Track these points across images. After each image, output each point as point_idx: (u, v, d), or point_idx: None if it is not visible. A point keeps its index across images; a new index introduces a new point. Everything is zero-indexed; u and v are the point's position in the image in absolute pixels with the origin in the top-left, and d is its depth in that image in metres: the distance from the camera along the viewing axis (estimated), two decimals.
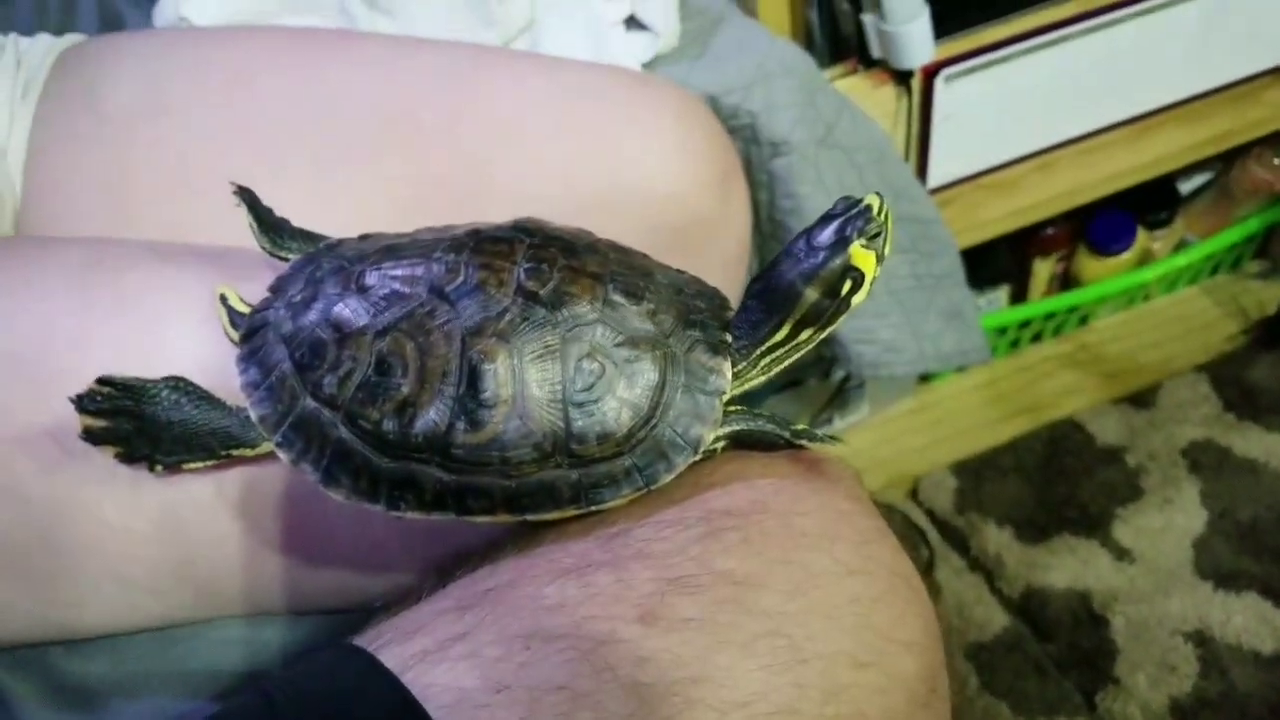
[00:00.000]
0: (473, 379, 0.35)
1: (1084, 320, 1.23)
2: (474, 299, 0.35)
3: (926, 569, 1.05)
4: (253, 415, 0.36)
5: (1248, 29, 0.98)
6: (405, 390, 0.35)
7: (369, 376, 0.35)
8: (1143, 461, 1.12)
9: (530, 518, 0.35)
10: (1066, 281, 1.21)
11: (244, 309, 0.40)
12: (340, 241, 0.41)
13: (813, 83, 0.80)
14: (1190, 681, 0.97)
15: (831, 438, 0.40)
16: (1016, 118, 0.96)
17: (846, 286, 0.36)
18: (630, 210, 0.59)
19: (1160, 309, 1.25)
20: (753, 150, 0.80)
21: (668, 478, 0.35)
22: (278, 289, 0.39)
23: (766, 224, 0.82)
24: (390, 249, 0.38)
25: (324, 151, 0.56)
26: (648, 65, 0.77)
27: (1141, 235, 1.18)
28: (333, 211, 0.56)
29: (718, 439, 0.37)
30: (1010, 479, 1.11)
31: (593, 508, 0.35)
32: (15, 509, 0.39)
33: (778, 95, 0.78)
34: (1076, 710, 0.96)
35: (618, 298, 0.36)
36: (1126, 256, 1.17)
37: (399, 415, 0.35)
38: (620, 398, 0.35)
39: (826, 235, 0.36)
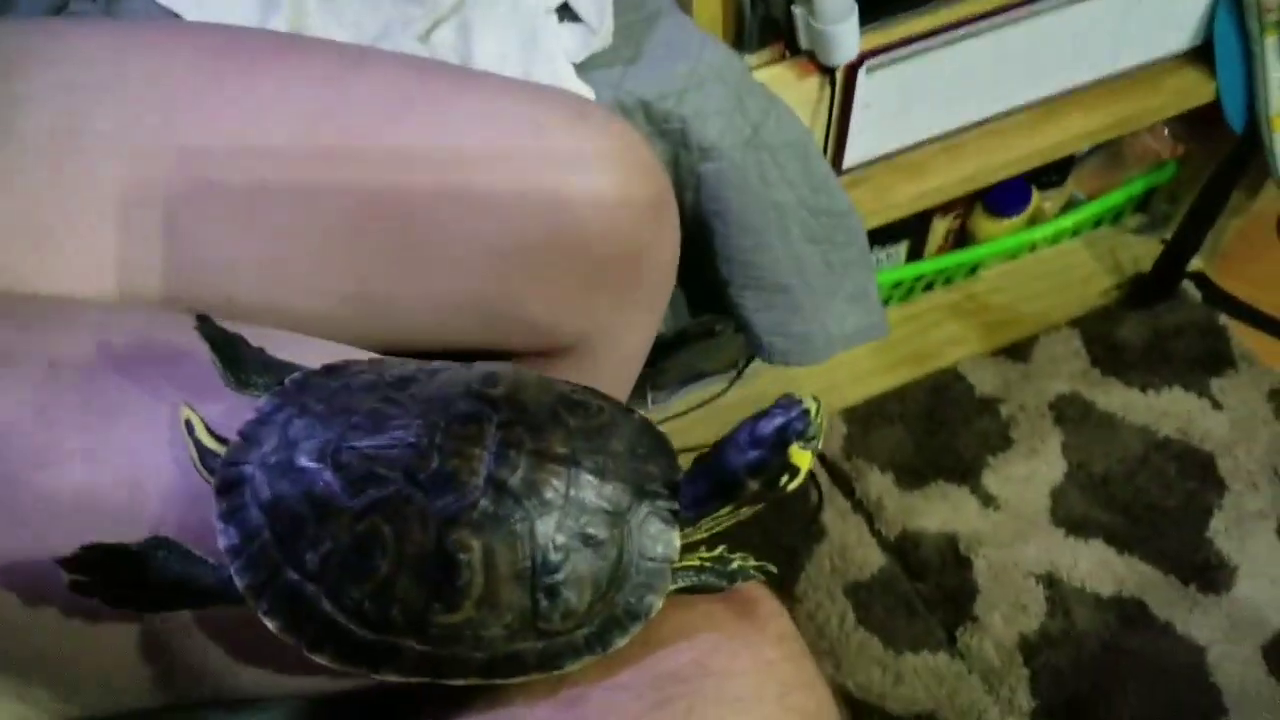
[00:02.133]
0: (447, 567, 0.37)
1: (973, 270, 1.28)
2: (447, 488, 0.37)
3: (815, 512, 1.11)
4: (238, 583, 0.38)
5: (1151, 18, 1.00)
6: (384, 572, 0.37)
7: (349, 557, 0.37)
8: (1014, 413, 1.19)
9: (499, 682, 0.38)
10: (961, 236, 1.25)
11: (212, 444, 0.41)
12: (306, 380, 0.42)
13: (742, 86, 0.80)
14: (1038, 620, 1.07)
15: (760, 568, 0.43)
16: (929, 103, 0.98)
17: (784, 479, 0.39)
18: (567, 249, 0.60)
19: (1044, 260, 1.31)
20: (681, 153, 0.80)
21: (623, 643, 0.39)
22: (249, 438, 0.40)
23: (691, 225, 0.83)
24: (367, 413, 0.39)
25: (255, 180, 0.55)
26: (581, 66, 0.76)
27: (1034, 194, 1.22)
28: (263, 245, 0.55)
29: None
30: (895, 427, 1.18)
31: (555, 672, 0.38)
32: None
33: (709, 102, 0.78)
34: (939, 645, 1.05)
35: (582, 477, 0.38)
36: (1019, 218, 1.21)
37: (378, 596, 0.37)
38: (582, 578, 0.38)
39: (768, 435, 0.39)
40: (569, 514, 0.38)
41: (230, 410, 0.44)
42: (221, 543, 0.38)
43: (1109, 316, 1.27)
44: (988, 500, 1.14)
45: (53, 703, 0.44)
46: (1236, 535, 1.12)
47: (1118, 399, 1.20)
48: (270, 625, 0.38)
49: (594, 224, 0.60)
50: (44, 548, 0.40)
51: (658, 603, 0.39)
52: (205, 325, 0.42)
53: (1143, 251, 1.32)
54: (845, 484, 1.14)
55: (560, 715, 0.38)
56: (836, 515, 1.12)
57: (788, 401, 0.39)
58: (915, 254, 1.23)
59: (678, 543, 0.40)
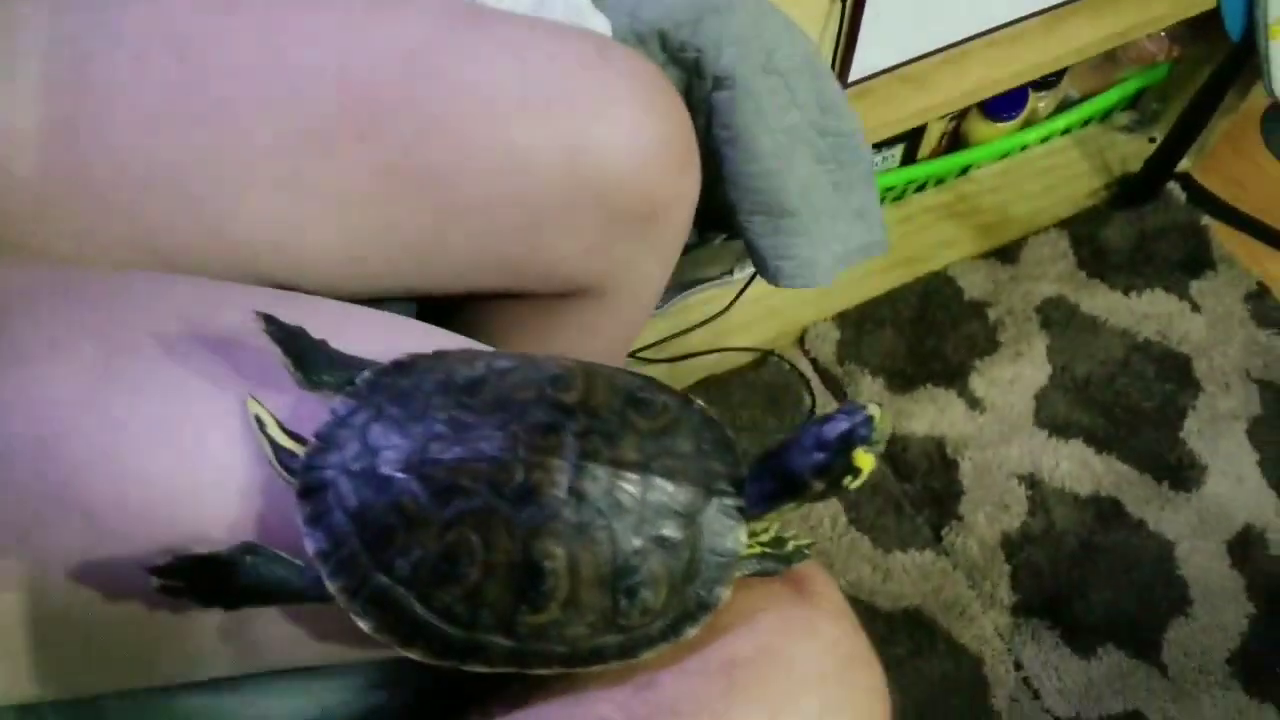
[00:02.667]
0: (533, 573, 0.39)
1: (964, 170, 1.28)
2: (531, 499, 0.39)
3: (808, 416, 1.14)
4: (330, 586, 0.40)
5: None
6: (473, 578, 0.39)
7: (439, 564, 0.39)
8: (1002, 316, 1.22)
9: (580, 671, 0.41)
10: (955, 138, 1.25)
11: (286, 442, 0.42)
12: (377, 379, 0.42)
13: (759, 10, 0.79)
14: (1020, 519, 1.12)
15: (808, 547, 0.45)
16: (937, 13, 0.96)
17: (847, 480, 0.41)
18: (592, 198, 0.60)
19: (1034, 159, 1.32)
20: (694, 81, 0.79)
21: (695, 632, 0.41)
22: (327, 440, 0.41)
23: (701, 150, 0.83)
24: (446, 421, 0.40)
25: (279, 138, 0.54)
26: None
27: (1030, 98, 1.22)
28: (303, 204, 0.55)
29: None
30: (886, 330, 1.20)
31: (631, 660, 0.41)
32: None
33: (726, 30, 0.77)
34: (926, 544, 1.10)
35: (655, 481, 0.40)
36: (1014, 122, 1.22)
37: (467, 600, 0.39)
38: (658, 577, 0.40)
39: (833, 439, 0.40)
40: (645, 518, 0.40)
41: (296, 401, 0.44)
42: (310, 546, 0.40)
43: (1096, 217, 1.29)
44: (974, 403, 1.17)
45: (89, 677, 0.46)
46: (1208, 436, 1.17)
47: (1101, 301, 1.23)
48: (363, 625, 0.40)
49: (619, 172, 0.59)
50: (119, 546, 0.41)
51: (726, 593, 0.42)
52: (271, 326, 0.43)
53: (1130, 151, 1.33)
54: (838, 389, 1.17)
55: (635, 699, 0.41)
56: None
57: (852, 408, 0.41)
58: (910, 157, 1.23)
59: (744, 538, 0.42)
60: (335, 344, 0.45)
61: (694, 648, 0.42)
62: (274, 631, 0.47)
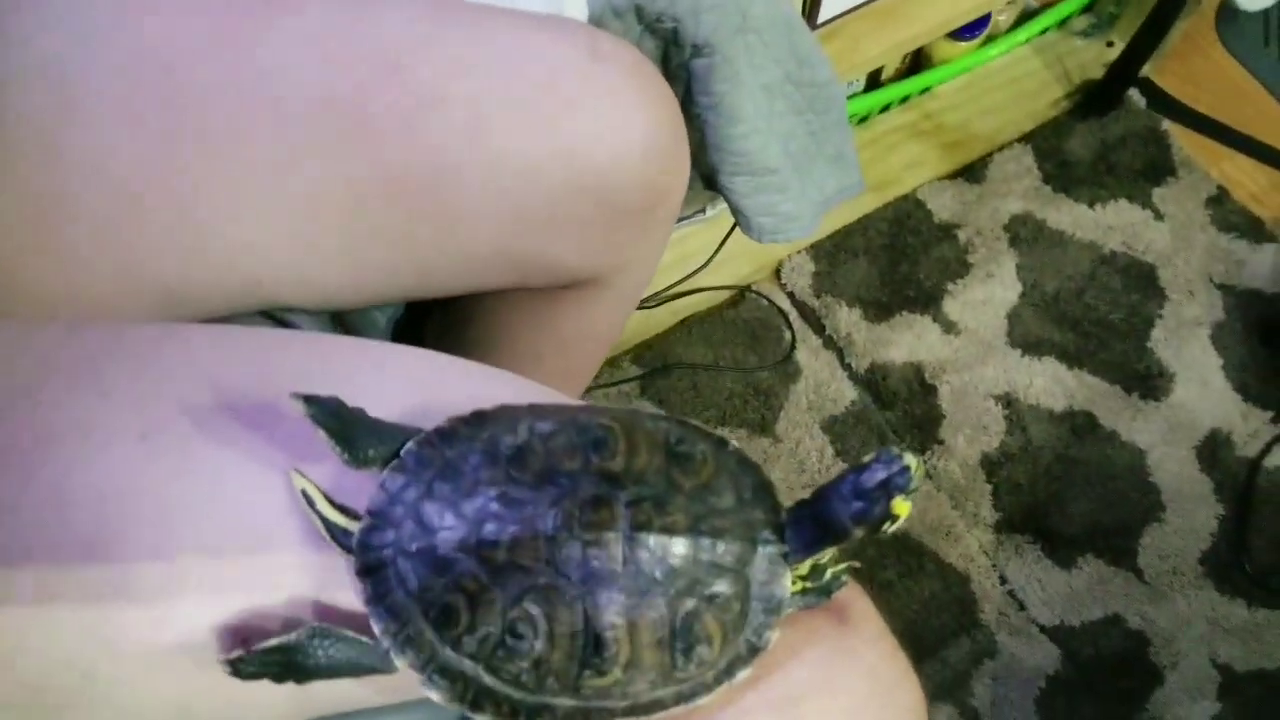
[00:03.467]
0: (596, 642, 0.40)
1: (927, 88, 1.28)
2: (589, 573, 0.40)
3: (789, 352, 1.16)
4: (399, 662, 0.41)
5: None
6: (537, 650, 0.40)
7: (504, 639, 0.40)
8: (971, 237, 1.23)
9: (642, 719, 0.43)
10: (917, 58, 1.24)
11: (336, 517, 0.43)
12: (422, 453, 0.43)
13: None
14: (998, 439, 1.16)
15: (847, 571, 0.48)
16: None
17: (887, 525, 0.43)
18: (589, 195, 0.60)
19: (995, 71, 1.32)
20: (671, 50, 0.78)
21: (747, 674, 0.43)
22: (380, 516, 0.42)
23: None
24: (497, 498, 0.41)
25: (268, 151, 0.54)
26: None
27: (991, 17, 1.21)
28: (300, 222, 0.55)
29: None
30: (860, 260, 1.21)
31: (688, 706, 0.43)
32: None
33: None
34: None
35: (703, 543, 0.42)
36: (977, 40, 1.21)
37: (534, 670, 0.41)
38: (712, 632, 0.42)
39: (872, 486, 0.42)
40: (697, 579, 0.42)
41: (339, 470, 0.45)
42: (376, 627, 0.41)
43: (1059, 129, 1.30)
44: (949, 327, 1.20)
45: None
46: (1174, 343, 1.20)
47: (1067, 215, 1.25)
48: (433, 696, 0.41)
49: (618, 172, 0.59)
50: (182, 631, 0.42)
51: (775, 635, 0.44)
52: (312, 408, 0.43)
53: (1090, 58, 1.33)
54: (815, 322, 1.19)
55: None
56: (809, 353, 1.18)
57: (889, 457, 0.42)
58: (874, 80, 1.23)
59: (789, 582, 0.44)
60: (370, 394, 0.46)
61: (747, 687, 0.44)
62: (336, 684, 0.48)
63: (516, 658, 0.41)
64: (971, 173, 1.26)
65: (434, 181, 0.56)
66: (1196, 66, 1.34)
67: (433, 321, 0.80)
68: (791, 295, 1.19)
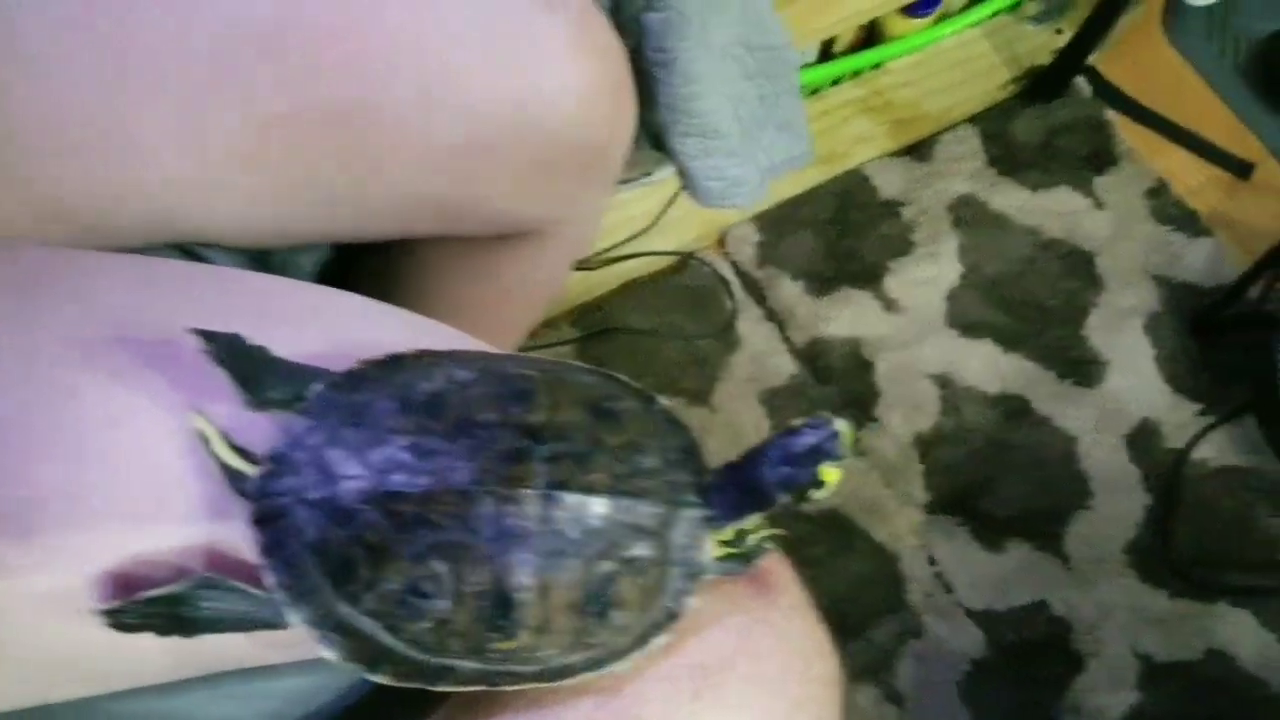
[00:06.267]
0: (504, 603, 0.38)
1: (879, 64, 1.26)
2: (501, 528, 0.37)
3: (730, 322, 1.14)
4: (292, 619, 0.38)
5: None
6: (442, 610, 0.38)
7: (406, 597, 0.38)
8: (916, 216, 1.22)
9: (550, 686, 0.40)
10: (870, 31, 1.22)
11: (235, 461, 0.40)
12: (329, 396, 0.40)
13: None
14: (933, 418, 1.15)
15: (771, 539, 0.46)
16: None
17: (812, 492, 0.41)
18: (531, 145, 0.58)
19: (947, 51, 1.30)
20: (624, 1, 0.76)
21: (662, 642, 0.41)
22: (281, 462, 0.39)
23: (632, 70, 0.80)
24: (408, 447, 0.38)
25: (183, 84, 0.51)
26: None
27: None
28: (220, 157, 0.51)
29: None
30: (805, 232, 1.19)
31: (600, 673, 0.41)
32: None
33: None
34: None
35: (625, 504, 0.39)
36: (930, 18, 1.20)
37: (437, 630, 0.38)
38: (628, 596, 0.39)
39: (801, 452, 0.40)
40: (615, 541, 0.39)
41: (244, 412, 0.42)
42: (268, 579, 0.38)
43: (1006, 113, 1.28)
44: (889, 304, 1.18)
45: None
46: (1109, 332, 1.20)
47: (1010, 199, 1.24)
48: (328, 654, 0.38)
49: (562, 121, 0.57)
50: (67, 569, 0.39)
51: (694, 602, 0.41)
52: (211, 344, 0.40)
53: (1039, 43, 1.32)
54: (758, 292, 1.17)
55: (600, 710, 0.41)
56: (750, 324, 1.15)
57: (819, 422, 0.40)
58: (826, 52, 1.21)
59: (710, 548, 0.42)
60: (284, 334, 0.43)
61: (662, 655, 0.42)
62: (227, 638, 0.45)
63: (419, 617, 0.38)
64: (919, 151, 1.25)
65: (363, 119, 0.53)
66: (1143, 59, 1.33)
67: (364, 269, 0.76)
68: (735, 264, 1.17)
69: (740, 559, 0.44)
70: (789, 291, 1.16)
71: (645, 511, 0.39)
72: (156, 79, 0.49)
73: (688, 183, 0.88)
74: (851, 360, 1.14)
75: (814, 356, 1.14)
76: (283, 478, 0.38)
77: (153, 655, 0.44)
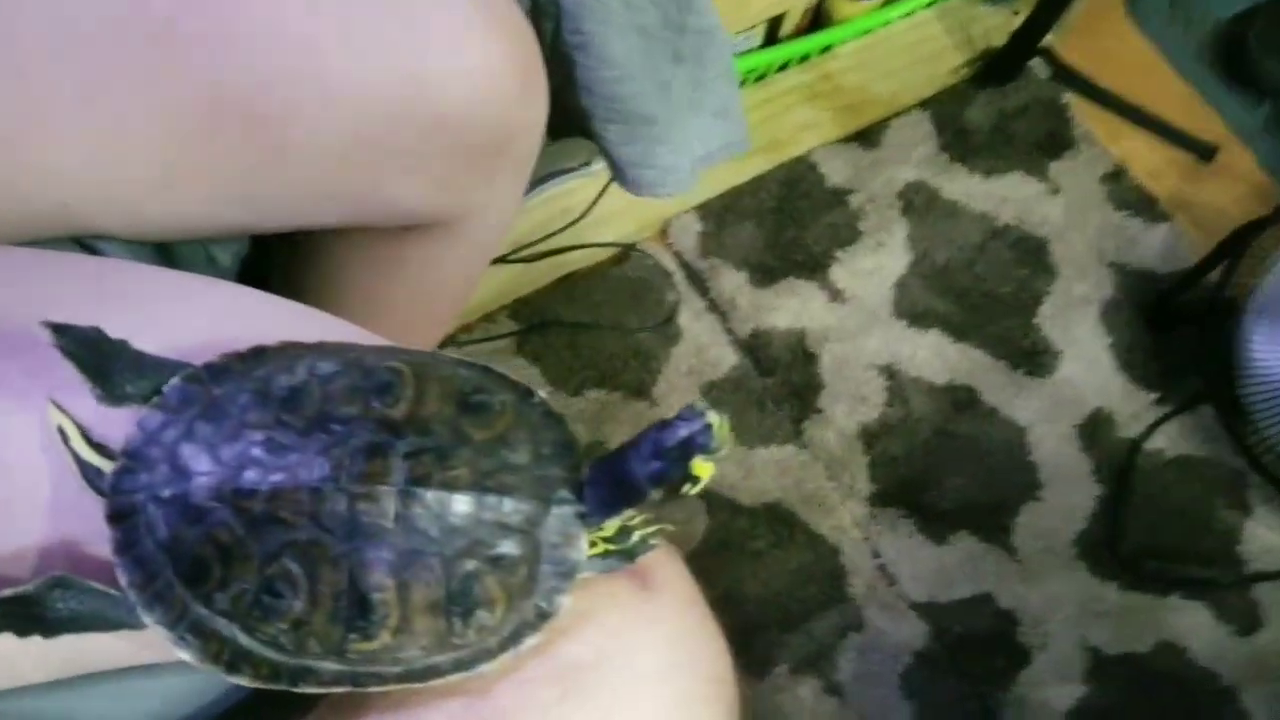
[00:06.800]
0: (361, 603, 0.38)
1: (827, 48, 1.26)
2: (356, 529, 0.38)
3: (671, 314, 1.15)
4: (146, 619, 0.38)
5: None
6: (298, 610, 0.38)
7: (260, 597, 0.38)
8: (863, 204, 1.23)
9: (415, 687, 0.41)
10: (817, 15, 1.23)
11: (92, 457, 0.40)
12: (186, 389, 0.40)
13: None
14: (878, 410, 1.15)
15: (658, 531, 0.46)
16: None
17: (687, 487, 0.41)
18: (434, 133, 0.58)
19: (897, 34, 1.30)
20: None
21: (534, 641, 0.41)
22: (135, 458, 0.39)
23: (550, 55, 0.79)
24: (262, 443, 0.38)
25: (71, 72, 0.50)
26: None
27: None
28: (112, 150, 0.52)
29: None
30: (748, 222, 1.20)
31: (469, 674, 0.41)
32: None
33: None
34: (787, 438, 1.13)
35: (490, 500, 0.39)
36: (880, 0, 1.20)
37: (294, 630, 0.38)
38: (494, 598, 0.40)
39: (671, 447, 0.40)
40: (479, 539, 0.39)
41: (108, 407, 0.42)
42: (122, 578, 0.38)
43: (958, 97, 1.29)
44: (835, 294, 1.19)
45: None
46: (1062, 320, 1.21)
47: (961, 186, 1.25)
48: (185, 656, 0.38)
49: (463, 105, 0.57)
50: None
51: (568, 600, 0.42)
52: (61, 336, 0.40)
53: (994, 25, 1.33)
54: (700, 284, 1.17)
55: (467, 711, 0.41)
56: (692, 315, 1.16)
57: (690, 414, 0.40)
58: (771, 36, 1.21)
59: (585, 545, 0.42)
60: (162, 326, 0.43)
61: (534, 655, 0.42)
62: (99, 637, 0.45)
63: (274, 618, 0.38)
64: (867, 137, 1.25)
65: (256, 107, 0.53)
66: (1103, 40, 1.34)
67: (277, 261, 0.76)
68: (678, 255, 1.18)
69: (621, 555, 0.44)
70: (732, 282, 1.16)
71: (511, 508, 0.40)
72: (45, 70, 0.49)
73: (617, 172, 0.88)
74: (795, 351, 1.15)
75: (756, 348, 1.14)
76: (137, 474, 0.39)
77: (20, 656, 0.44)
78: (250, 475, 0.38)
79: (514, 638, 0.41)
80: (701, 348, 1.14)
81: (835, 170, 1.23)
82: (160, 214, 0.56)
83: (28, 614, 0.39)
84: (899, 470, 1.13)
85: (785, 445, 1.12)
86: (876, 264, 1.20)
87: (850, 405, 1.14)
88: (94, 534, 0.40)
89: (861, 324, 1.17)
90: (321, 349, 0.43)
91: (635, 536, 0.45)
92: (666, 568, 0.47)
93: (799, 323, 1.17)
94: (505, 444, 0.41)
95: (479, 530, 0.39)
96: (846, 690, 1.04)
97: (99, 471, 0.40)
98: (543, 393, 0.44)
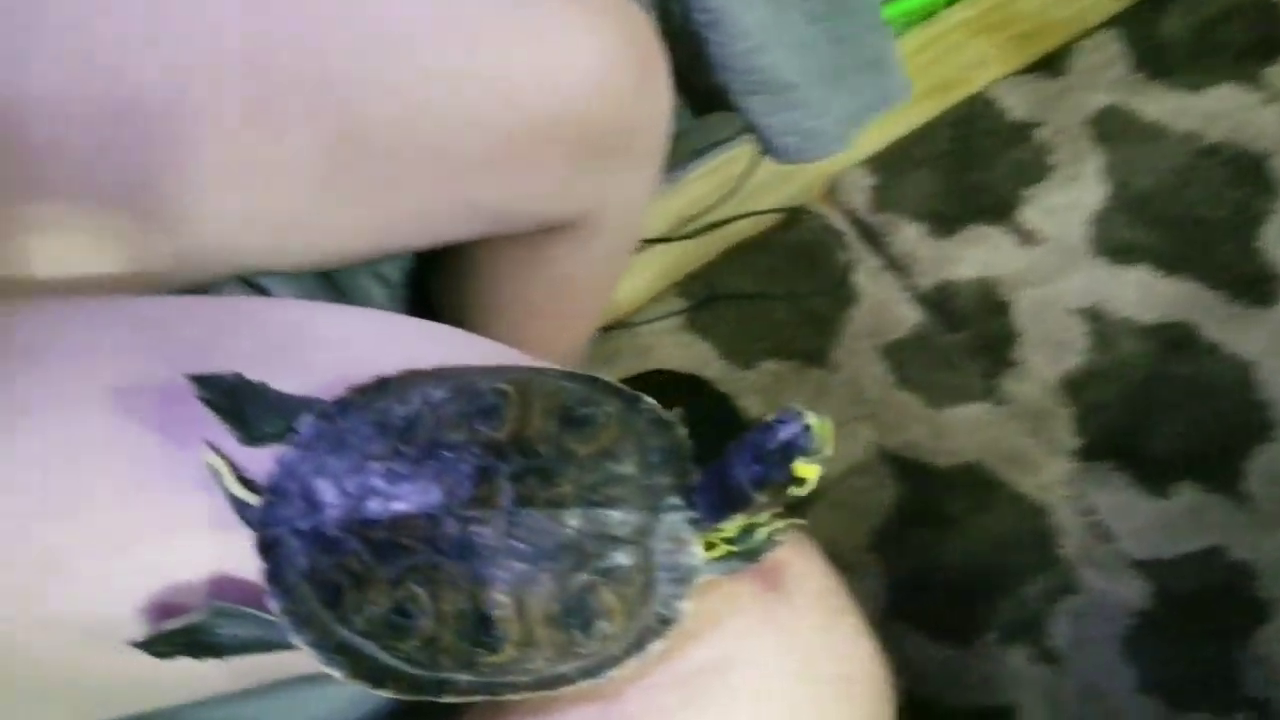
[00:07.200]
0: (483, 621, 0.41)
1: None
2: (469, 549, 0.40)
3: (844, 275, 1.13)
4: (297, 642, 0.42)
5: None
6: (426, 630, 0.41)
7: (391, 618, 0.41)
8: (1051, 136, 1.17)
9: (550, 694, 0.43)
10: None
11: (242, 493, 0.44)
12: (317, 427, 0.44)
13: None
14: (1082, 357, 1.11)
15: (788, 527, 0.46)
16: None
17: (792, 489, 0.41)
18: (555, 136, 0.59)
19: None
20: None
21: (660, 647, 0.43)
22: (277, 493, 0.43)
23: (682, 36, 0.80)
24: (382, 474, 0.42)
25: (212, 121, 0.54)
26: None
27: None
28: (261, 191, 0.55)
29: None
30: (923, 170, 1.17)
31: (597, 680, 0.43)
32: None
33: None
34: (980, 395, 1.10)
35: (597, 514, 0.41)
36: None
37: (426, 647, 0.41)
38: (611, 608, 0.42)
39: (771, 451, 0.40)
40: (589, 553, 0.41)
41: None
42: (272, 606, 0.42)
43: (1151, 8, 1.21)
44: (1026, 237, 1.14)
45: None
46: None
47: (1161, 105, 1.17)
48: (334, 674, 0.42)
49: (580, 104, 0.58)
50: (109, 603, 0.44)
51: (688, 606, 0.43)
52: (203, 387, 0.44)
53: None
54: (875, 240, 1.15)
55: (601, 716, 0.43)
56: (867, 275, 1.14)
57: (788, 416, 0.40)
58: None
59: (699, 550, 0.43)
60: (300, 363, 0.47)
61: (661, 660, 0.44)
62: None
63: (407, 636, 0.41)
64: (1050, 65, 1.19)
65: (388, 143, 0.56)
66: None
67: (438, 272, 0.81)
68: (849, 213, 1.16)
69: (744, 555, 0.45)
70: (909, 236, 1.14)
71: (619, 520, 0.41)
72: (193, 125, 0.54)
73: (763, 142, 0.89)
74: (984, 302, 1.12)
75: (941, 302, 1.12)
76: (278, 508, 0.43)
77: (211, 671, 0.49)
78: (373, 506, 0.41)
79: (638, 644, 0.43)
80: (880, 307, 1.12)
81: (1016, 104, 1.18)
82: (309, 248, 0.60)
83: (198, 641, 0.43)
84: (1109, 420, 1.08)
85: (978, 403, 1.09)
86: (1070, 199, 1.14)
87: (1050, 354, 1.10)
88: (248, 565, 0.44)
89: (1058, 266, 1.12)
90: (438, 374, 0.46)
91: (760, 534, 0.46)
92: (796, 565, 0.48)
93: (987, 271, 1.13)
94: (610, 456, 0.43)
95: (588, 544, 0.41)
96: (1062, 656, 1.01)
97: (249, 506, 0.44)
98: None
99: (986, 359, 1.10)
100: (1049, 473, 1.07)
